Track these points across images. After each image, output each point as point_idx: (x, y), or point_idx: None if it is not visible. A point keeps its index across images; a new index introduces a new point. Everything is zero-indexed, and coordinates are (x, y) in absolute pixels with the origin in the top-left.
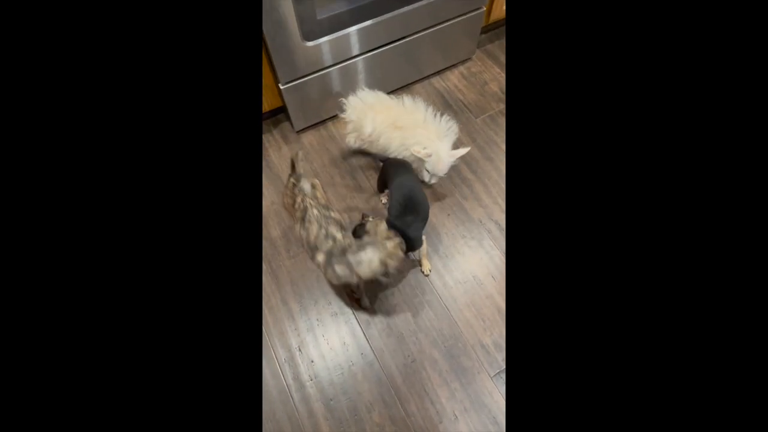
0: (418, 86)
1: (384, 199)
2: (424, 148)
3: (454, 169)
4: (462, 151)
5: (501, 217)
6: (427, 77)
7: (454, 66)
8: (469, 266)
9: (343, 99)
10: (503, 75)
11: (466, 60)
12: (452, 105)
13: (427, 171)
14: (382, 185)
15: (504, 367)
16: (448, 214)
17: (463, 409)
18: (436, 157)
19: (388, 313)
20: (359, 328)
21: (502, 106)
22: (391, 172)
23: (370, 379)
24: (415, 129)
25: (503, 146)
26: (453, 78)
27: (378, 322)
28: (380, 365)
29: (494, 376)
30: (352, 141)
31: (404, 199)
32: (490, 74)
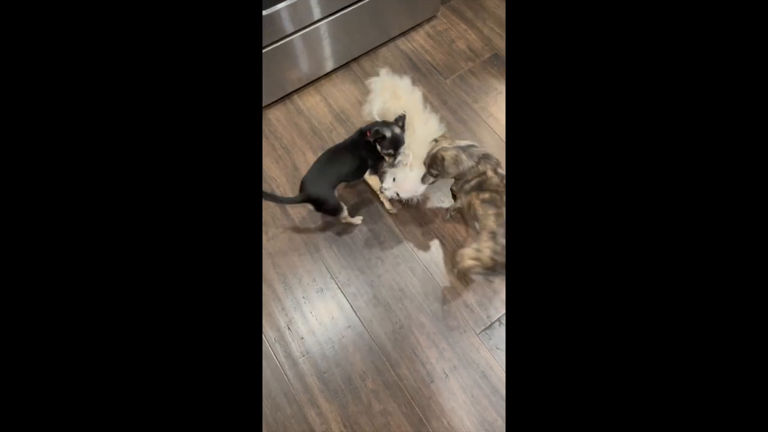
0: (384, 50)
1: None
2: (409, 157)
3: None
4: (422, 187)
5: None
6: (393, 39)
7: (419, 25)
8: (448, 230)
9: (380, 70)
10: (470, 31)
11: (432, 18)
12: (420, 67)
13: (392, 181)
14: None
15: (489, 323)
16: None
17: (452, 367)
18: (406, 177)
19: (372, 283)
20: (346, 302)
21: (471, 65)
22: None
23: (361, 349)
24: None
25: (475, 106)
26: (419, 38)
27: (364, 293)
28: (370, 335)
29: (480, 333)
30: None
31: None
32: (457, 31)
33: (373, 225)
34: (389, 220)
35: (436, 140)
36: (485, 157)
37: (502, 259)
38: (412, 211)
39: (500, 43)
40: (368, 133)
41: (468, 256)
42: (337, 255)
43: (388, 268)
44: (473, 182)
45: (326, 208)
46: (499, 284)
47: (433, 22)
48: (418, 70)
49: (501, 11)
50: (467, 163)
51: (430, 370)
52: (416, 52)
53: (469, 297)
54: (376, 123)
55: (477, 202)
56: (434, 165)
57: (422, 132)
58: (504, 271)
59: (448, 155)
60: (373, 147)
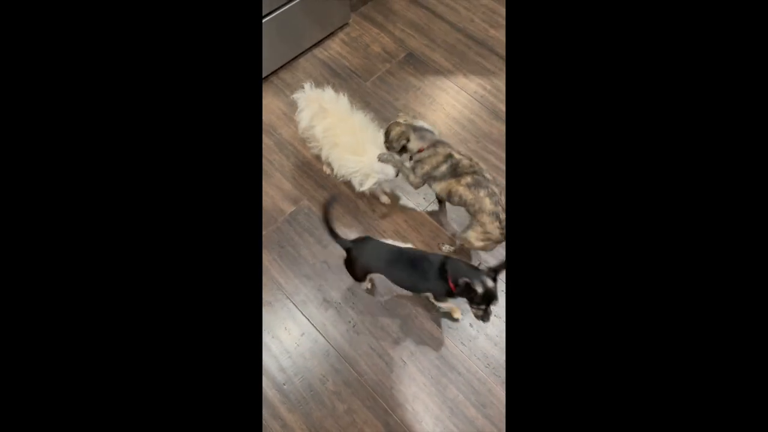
0: (302, 61)
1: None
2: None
3: None
4: (389, 171)
5: None
6: (310, 50)
7: (333, 34)
8: (383, 225)
9: (305, 85)
10: (382, 35)
11: (344, 26)
12: (340, 73)
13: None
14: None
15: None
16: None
17: (409, 354)
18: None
19: (321, 287)
20: (297, 311)
21: (388, 66)
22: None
23: (317, 354)
24: (355, 149)
25: (397, 104)
26: (335, 46)
27: (313, 298)
28: (325, 338)
29: (432, 316)
30: (300, 130)
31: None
32: (370, 36)
33: (315, 230)
34: None
35: (397, 120)
36: (440, 142)
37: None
38: (350, 209)
39: (413, 43)
40: (450, 279)
41: (476, 238)
42: (282, 266)
43: (334, 270)
44: (443, 168)
45: (353, 272)
46: None
47: (347, 30)
48: (338, 76)
49: (410, 13)
50: (415, 143)
51: (388, 361)
52: (334, 59)
53: None
54: (461, 267)
55: (461, 188)
56: (385, 138)
57: (363, 136)
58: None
59: (396, 130)
60: (444, 280)
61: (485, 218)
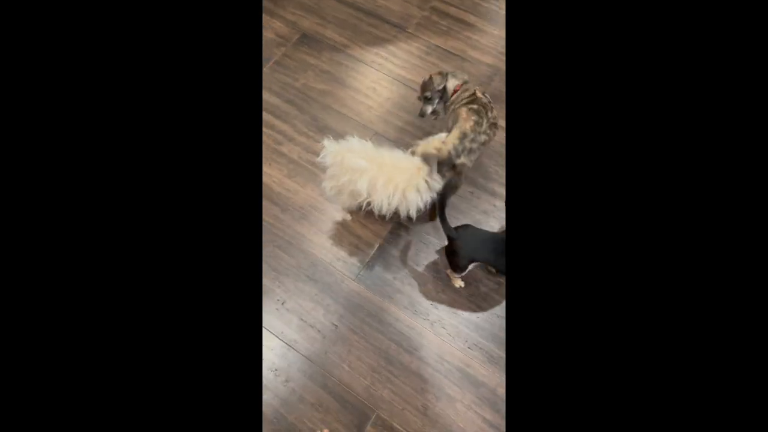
0: None
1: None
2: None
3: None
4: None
5: (316, 146)
6: None
7: None
8: (307, 195)
9: (324, 142)
10: (273, 20)
11: None
12: None
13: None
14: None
15: (362, 266)
16: (270, 164)
17: (339, 317)
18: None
19: None
20: None
21: (284, 49)
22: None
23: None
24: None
25: (297, 85)
26: None
27: None
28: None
29: (356, 277)
30: (327, 188)
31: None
32: (262, 23)
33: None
34: None
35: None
36: (467, 81)
37: (456, 160)
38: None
39: (305, 24)
40: None
41: (433, 145)
42: None
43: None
44: (465, 97)
45: (456, 262)
46: (363, 228)
47: None
48: None
49: None
50: (452, 81)
51: (321, 328)
52: None
53: (340, 250)
54: None
55: (464, 110)
56: (425, 88)
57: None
58: (446, 174)
59: (436, 77)
60: None
61: (455, 133)
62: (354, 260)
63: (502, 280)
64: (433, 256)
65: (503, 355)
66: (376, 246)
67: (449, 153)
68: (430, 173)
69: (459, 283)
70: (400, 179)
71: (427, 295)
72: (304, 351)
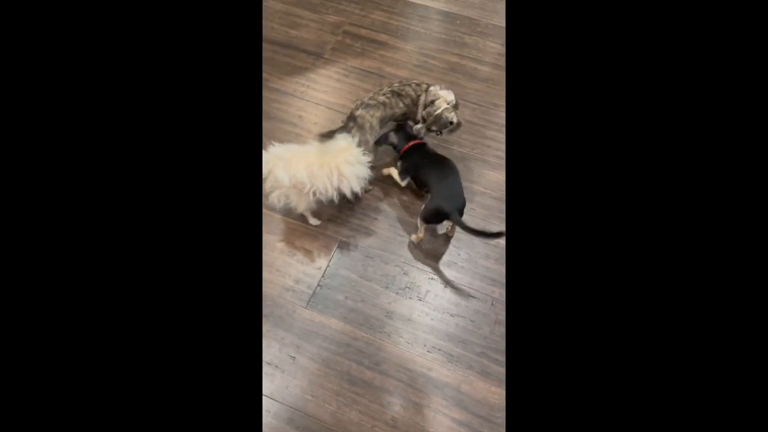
0: None
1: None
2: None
3: None
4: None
5: None
6: None
7: None
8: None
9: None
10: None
11: None
12: None
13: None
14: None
15: (311, 292)
16: None
17: (296, 348)
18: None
19: None
20: None
21: None
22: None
23: None
24: (336, 157)
25: None
26: None
27: None
28: None
29: (307, 304)
30: (275, 199)
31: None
32: None
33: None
34: None
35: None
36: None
37: (355, 113)
38: None
39: None
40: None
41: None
42: None
43: None
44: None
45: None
46: (308, 253)
47: None
48: None
49: None
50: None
51: (278, 364)
52: None
53: (287, 280)
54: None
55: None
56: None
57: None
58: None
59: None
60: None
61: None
62: (302, 287)
63: (447, 278)
64: (382, 269)
65: (462, 352)
66: (324, 268)
67: (351, 110)
68: (354, 145)
69: (420, 235)
70: (331, 159)
71: (380, 308)
72: (265, 391)
